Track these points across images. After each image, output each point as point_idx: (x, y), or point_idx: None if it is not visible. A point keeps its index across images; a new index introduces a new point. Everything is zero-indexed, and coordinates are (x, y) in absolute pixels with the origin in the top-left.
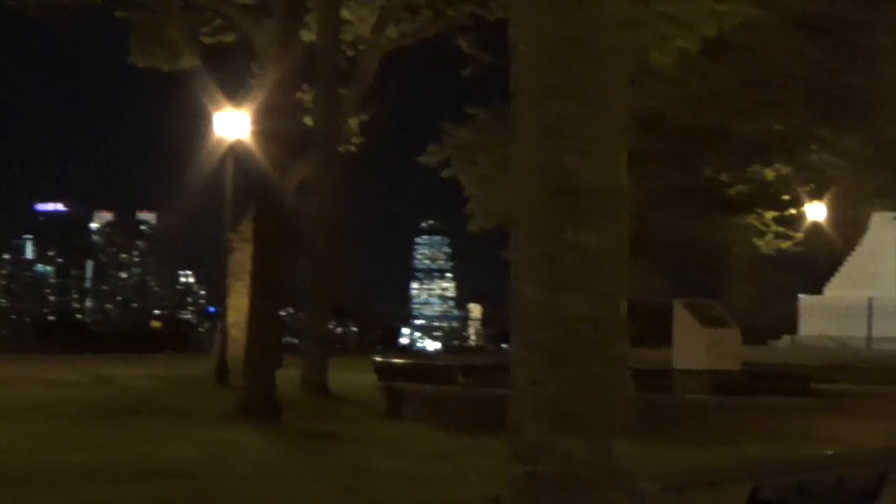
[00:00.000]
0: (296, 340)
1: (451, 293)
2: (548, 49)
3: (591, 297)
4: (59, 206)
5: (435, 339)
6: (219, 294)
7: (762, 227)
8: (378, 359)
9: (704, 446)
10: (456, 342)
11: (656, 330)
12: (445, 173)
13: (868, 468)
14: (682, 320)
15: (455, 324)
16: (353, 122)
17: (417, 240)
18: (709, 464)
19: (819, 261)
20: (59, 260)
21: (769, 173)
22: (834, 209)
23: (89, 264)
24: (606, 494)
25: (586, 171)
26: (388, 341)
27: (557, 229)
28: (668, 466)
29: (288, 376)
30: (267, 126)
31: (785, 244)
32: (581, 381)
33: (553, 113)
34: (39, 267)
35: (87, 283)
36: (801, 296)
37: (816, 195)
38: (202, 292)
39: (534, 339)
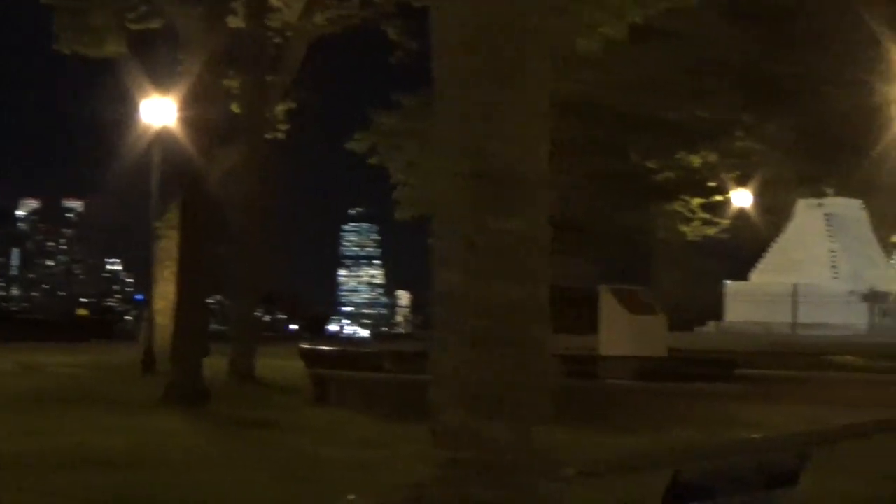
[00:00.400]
0: (224, 328)
1: (379, 280)
2: (469, 34)
3: (513, 282)
4: None
5: (363, 326)
6: (146, 282)
7: (688, 214)
8: (305, 346)
9: (630, 432)
10: (384, 329)
11: (584, 316)
12: (373, 160)
13: (789, 451)
14: (609, 307)
15: (383, 311)
16: (281, 109)
17: (345, 227)
18: (632, 449)
19: (745, 247)
20: None
21: (695, 160)
22: (759, 196)
23: (15, 252)
24: (528, 479)
25: (507, 156)
26: (316, 328)
27: (478, 215)
28: (592, 452)
29: (216, 364)
30: (193, 113)
31: (711, 230)
32: (503, 367)
33: (474, 98)
34: None
35: (14, 272)
36: (726, 282)
37: (742, 182)
38: (129, 280)
39: (455, 325)
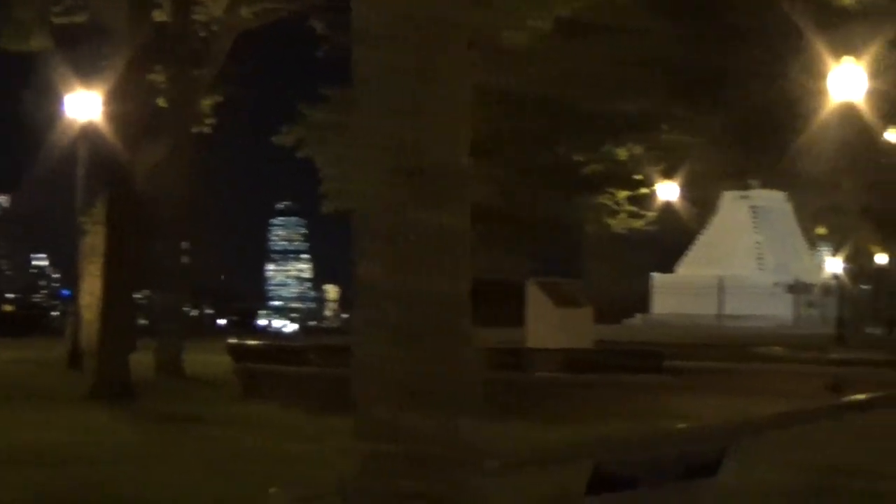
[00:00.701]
0: (151, 323)
1: (307, 274)
2: (389, 26)
3: (435, 274)
4: None
5: (292, 320)
6: (72, 277)
7: (615, 207)
8: (233, 341)
9: (557, 424)
10: (313, 323)
11: (512, 309)
12: (300, 154)
13: (711, 442)
14: (536, 299)
15: (311, 305)
16: (207, 103)
17: (273, 221)
18: (558, 441)
19: (671, 239)
20: None
21: (622, 153)
22: (686, 188)
23: None
24: (453, 472)
25: (427, 149)
26: (244, 323)
27: (400, 207)
28: (519, 444)
29: (143, 359)
30: (119, 107)
31: (638, 223)
32: (425, 359)
33: (393, 91)
34: None
35: None
36: (653, 274)
37: (668, 175)
38: (56, 276)
39: (377, 318)
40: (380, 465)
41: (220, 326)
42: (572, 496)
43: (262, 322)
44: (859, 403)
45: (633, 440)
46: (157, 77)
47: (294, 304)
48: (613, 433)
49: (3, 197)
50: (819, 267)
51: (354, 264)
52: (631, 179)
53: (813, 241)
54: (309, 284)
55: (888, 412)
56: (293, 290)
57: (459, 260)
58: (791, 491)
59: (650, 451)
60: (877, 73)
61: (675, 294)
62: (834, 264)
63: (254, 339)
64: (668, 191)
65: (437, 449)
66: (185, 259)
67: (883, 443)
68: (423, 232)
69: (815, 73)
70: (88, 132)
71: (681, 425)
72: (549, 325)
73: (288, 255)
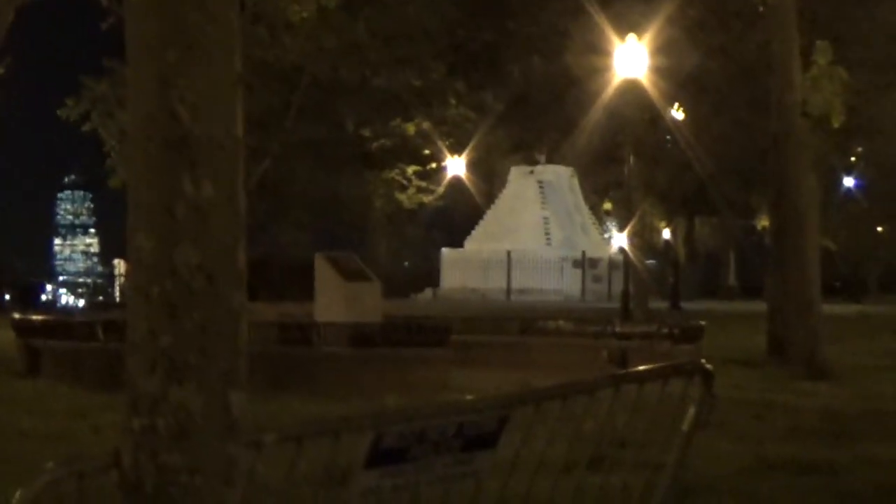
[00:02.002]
0: None
1: (95, 249)
2: None
3: (205, 248)
4: None
5: (79, 295)
6: None
7: (404, 182)
8: (16, 316)
9: (341, 398)
10: (101, 298)
11: (303, 284)
12: (86, 127)
13: (490, 413)
14: (324, 274)
15: (100, 280)
16: None
17: (60, 195)
18: (341, 415)
19: (460, 214)
20: None
21: (410, 128)
22: (474, 164)
23: None
24: (223, 445)
25: (197, 121)
26: (30, 298)
27: (170, 180)
28: (300, 418)
29: None
30: None
31: (427, 198)
32: (196, 333)
33: (163, 63)
34: None
35: None
36: (443, 249)
37: (457, 150)
38: None
39: (148, 291)
40: (148, 439)
41: (4, 302)
42: (351, 469)
43: (46, 297)
44: (638, 375)
45: (412, 413)
46: None
47: (82, 279)
48: (394, 406)
49: None
50: (606, 242)
51: (128, 237)
52: (419, 155)
53: (599, 216)
54: (97, 259)
55: (665, 383)
56: (81, 264)
57: (231, 233)
58: (568, 462)
59: (428, 424)
60: (658, 50)
61: (465, 268)
62: (620, 239)
63: (40, 315)
64: (456, 166)
65: (202, 422)
66: None
67: (656, 414)
68: (194, 205)
69: (599, 50)
70: None
71: (460, 397)
72: (337, 299)
73: (75, 229)
